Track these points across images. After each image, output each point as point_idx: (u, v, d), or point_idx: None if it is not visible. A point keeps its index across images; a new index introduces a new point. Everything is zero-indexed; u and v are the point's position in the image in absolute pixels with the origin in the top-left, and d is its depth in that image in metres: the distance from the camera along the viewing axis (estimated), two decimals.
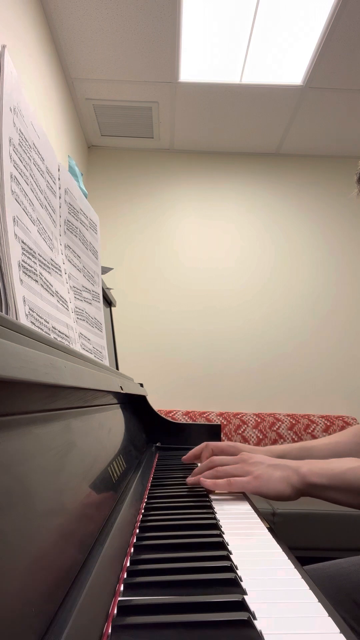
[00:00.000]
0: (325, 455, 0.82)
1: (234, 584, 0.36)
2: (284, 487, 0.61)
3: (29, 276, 0.53)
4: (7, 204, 0.49)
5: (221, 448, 0.81)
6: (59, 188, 0.76)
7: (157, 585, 0.36)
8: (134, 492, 0.60)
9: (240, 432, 2.62)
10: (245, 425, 2.64)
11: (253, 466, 0.65)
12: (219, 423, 1.26)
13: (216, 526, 0.52)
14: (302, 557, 0.61)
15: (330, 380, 2.92)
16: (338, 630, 0.30)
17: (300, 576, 0.39)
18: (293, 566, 0.41)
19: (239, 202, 3.10)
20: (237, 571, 0.39)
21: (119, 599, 0.33)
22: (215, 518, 0.55)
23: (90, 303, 0.86)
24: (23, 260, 0.52)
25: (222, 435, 2.20)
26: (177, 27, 2.11)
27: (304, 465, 0.61)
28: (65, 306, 0.68)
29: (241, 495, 0.69)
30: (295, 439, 2.61)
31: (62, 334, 0.62)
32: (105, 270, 1.30)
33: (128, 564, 0.40)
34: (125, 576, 0.37)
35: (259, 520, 0.57)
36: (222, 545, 0.45)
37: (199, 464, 0.76)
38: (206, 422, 1.52)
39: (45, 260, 0.61)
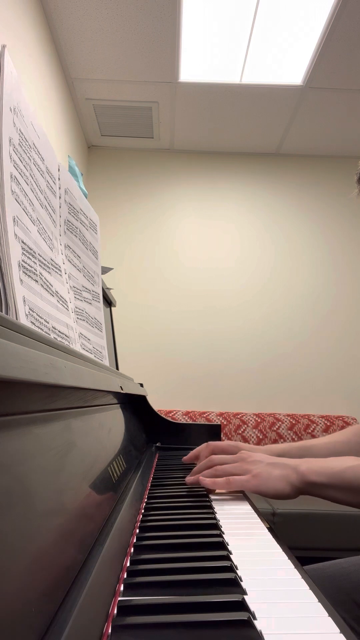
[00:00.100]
0: (324, 455, 0.82)
1: (234, 584, 0.36)
2: (283, 485, 0.61)
3: (29, 276, 0.53)
4: (7, 204, 0.49)
5: (222, 447, 0.81)
6: (59, 188, 0.76)
7: (157, 585, 0.36)
8: (134, 492, 0.60)
9: (240, 432, 2.62)
10: (245, 425, 2.64)
11: (252, 465, 0.65)
12: (219, 423, 1.26)
13: (216, 526, 0.52)
14: (302, 557, 0.61)
15: (330, 380, 2.92)
16: (338, 630, 0.30)
17: (300, 576, 0.39)
18: (293, 566, 0.41)
19: (239, 202, 3.10)
20: (237, 571, 0.39)
21: (119, 599, 0.33)
22: (215, 518, 0.55)
23: (90, 303, 0.86)
24: (23, 260, 0.52)
25: (222, 435, 2.20)
26: (177, 27, 2.11)
27: (303, 464, 0.61)
28: (65, 306, 0.68)
29: (241, 495, 0.69)
30: (295, 439, 2.61)
31: (62, 334, 0.62)
32: (105, 270, 1.30)
33: (128, 564, 0.40)
34: (125, 576, 0.37)
35: (259, 520, 0.57)
36: (222, 545, 0.45)
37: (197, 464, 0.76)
38: (206, 422, 1.52)
39: (45, 260, 0.61)
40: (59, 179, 0.76)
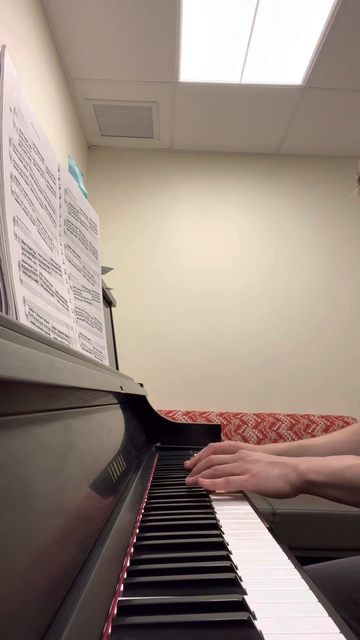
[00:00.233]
0: (324, 454, 0.82)
1: (234, 584, 0.36)
2: (282, 484, 0.60)
3: (29, 276, 0.53)
4: (7, 204, 0.49)
5: (222, 448, 0.81)
6: (59, 188, 0.76)
7: (157, 585, 0.36)
8: (134, 492, 0.60)
9: (240, 432, 2.62)
10: (245, 425, 2.64)
11: (251, 464, 0.65)
12: (219, 423, 1.26)
13: (216, 526, 0.52)
14: (302, 557, 0.61)
15: (330, 380, 2.92)
16: (338, 630, 0.30)
17: (300, 576, 0.39)
18: (293, 566, 0.41)
19: (239, 202, 3.10)
20: (237, 571, 0.39)
21: (119, 599, 0.33)
22: (215, 518, 0.55)
23: (90, 303, 0.86)
24: (23, 260, 0.52)
25: (222, 435, 2.20)
26: (177, 27, 2.11)
27: (302, 463, 0.61)
28: (65, 306, 0.68)
29: (241, 495, 0.69)
30: (295, 439, 2.61)
31: (62, 334, 0.62)
32: (105, 270, 1.30)
33: (128, 564, 0.40)
34: (125, 576, 0.37)
35: (259, 520, 0.57)
36: (222, 545, 0.45)
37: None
38: (206, 422, 1.52)
39: (45, 260, 0.61)
40: (59, 179, 0.76)
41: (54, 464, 0.34)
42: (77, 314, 0.75)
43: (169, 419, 1.26)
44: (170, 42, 2.20)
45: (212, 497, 0.67)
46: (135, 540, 0.46)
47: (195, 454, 0.92)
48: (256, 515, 0.59)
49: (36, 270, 0.56)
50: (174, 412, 2.68)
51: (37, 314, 0.53)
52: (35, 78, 2.03)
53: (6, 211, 0.48)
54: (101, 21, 2.10)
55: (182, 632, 0.29)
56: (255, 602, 0.33)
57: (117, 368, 1.38)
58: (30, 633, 0.23)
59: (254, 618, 0.31)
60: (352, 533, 1.92)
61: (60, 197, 0.76)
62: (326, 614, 0.32)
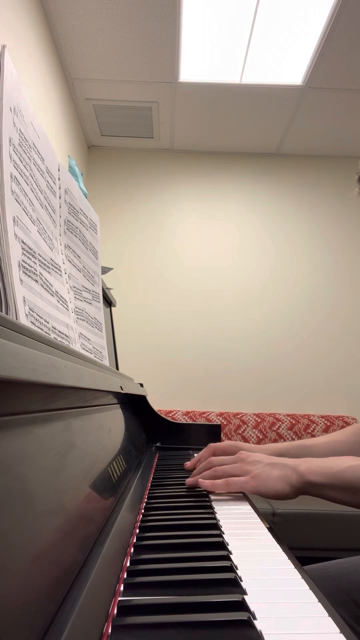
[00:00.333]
0: (324, 454, 0.82)
1: (234, 584, 0.36)
2: (282, 486, 0.60)
3: (29, 276, 0.53)
4: (7, 204, 0.49)
5: (222, 448, 0.81)
6: (59, 188, 0.76)
7: (157, 585, 0.36)
8: (134, 492, 0.60)
9: (240, 432, 2.62)
10: (245, 425, 2.64)
11: (251, 465, 0.65)
12: (219, 423, 1.26)
13: (216, 526, 0.52)
14: (302, 557, 0.61)
15: (330, 380, 2.92)
16: (338, 630, 0.30)
17: (300, 576, 0.39)
18: (293, 566, 0.41)
19: (239, 202, 3.10)
20: (237, 571, 0.39)
21: (119, 599, 0.33)
22: (215, 518, 0.55)
23: (90, 303, 0.86)
24: (23, 260, 0.52)
25: (222, 435, 2.20)
26: (177, 27, 2.11)
27: (302, 464, 0.61)
28: (65, 306, 0.68)
29: (241, 495, 0.69)
30: (295, 439, 2.61)
31: (62, 334, 0.62)
32: (105, 270, 1.30)
33: (128, 564, 0.40)
34: (125, 576, 0.37)
35: (259, 520, 0.57)
36: (222, 545, 0.45)
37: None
38: (206, 422, 1.52)
39: (45, 260, 0.61)
40: (59, 179, 0.76)
41: (54, 464, 0.34)
42: (77, 314, 0.75)
43: (169, 419, 1.26)
44: (170, 42, 2.20)
45: (212, 497, 0.67)
46: (135, 540, 0.46)
47: (195, 455, 0.92)
48: (256, 515, 0.59)
49: (36, 270, 0.56)
50: (174, 412, 2.68)
51: (37, 314, 0.53)
52: (35, 78, 2.03)
53: (6, 211, 0.48)
54: (101, 21, 2.10)
55: (182, 632, 0.29)
56: (255, 602, 0.33)
57: (117, 368, 1.38)
58: (31, 633, 0.23)
59: (254, 618, 0.31)
60: (352, 533, 1.92)
61: (60, 197, 0.76)
62: (326, 614, 0.32)
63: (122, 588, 0.35)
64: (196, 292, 2.99)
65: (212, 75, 2.43)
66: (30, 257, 0.55)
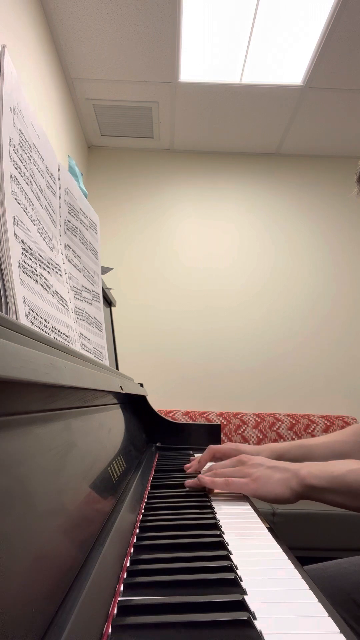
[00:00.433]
0: (324, 454, 0.82)
1: (234, 584, 0.36)
2: (282, 489, 0.60)
3: (29, 276, 0.53)
4: (7, 204, 0.49)
5: (223, 451, 0.80)
6: (59, 188, 0.76)
7: (157, 585, 0.36)
8: (134, 492, 0.60)
9: (240, 432, 2.62)
10: (245, 425, 2.64)
11: (252, 468, 0.64)
12: (219, 423, 1.26)
13: (216, 526, 0.52)
14: (302, 557, 0.61)
15: (330, 380, 2.92)
16: (338, 630, 0.30)
17: (300, 576, 0.39)
18: (293, 566, 0.41)
19: (239, 202, 3.10)
20: (237, 571, 0.39)
21: (119, 599, 0.33)
22: (215, 518, 0.55)
23: (90, 303, 0.86)
24: (23, 260, 0.52)
25: (222, 435, 2.20)
26: (177, 27, 2.11)
27: (303, 468, 0.61)
28: (65, 306, 0.68)
29: (241, 496, 0.69)
30: (295, 439, 2.61)
31: (62, 334, 0.62)
32: (105, 270, 1.30)
33: (128, 564, 0.40)
34: (125, 576, 0.37)
35: (259, 520, 0.57)
36: (222, 545, 0.45)
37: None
38: (206, 422, 1.52)
39: (45, 260, 0.61)
40: (59, 179, 0.76)
41: (54, 464, 0.34)
42: (77, 314, 0.75)
43: (169, 419, 1.26)
44: (170, 42, 2.20)
45: (212, 497, 0.67)
46: (135, 540, 0.46)
47: (195, 455, 0.92)
48: (256, 515, 0.59)
49: (36, 270, 0.56)
50: (174, 412, 2.68)
51: (37, 314, 0.53)
52: (35, 78, 2.03)
53: (6, 211, 0.48)
54: (101, 21, 2.10)
55: (182, 632, 0.29)
56: (255, 602, 0.33)
57: (117, 368, 1.38)
58: (31, 633, 0.23)
59: (254, 618, 0.31)
60: (352, 533, 1.92)
61: (60, 197, 0.76)
62: (326, 614, 0.32)
63: (122, 588, 0.35)
64: (196, 292, 2.99)
65: (212, 75, 2.43)
66: (30, 257, 0.55)
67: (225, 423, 2.64)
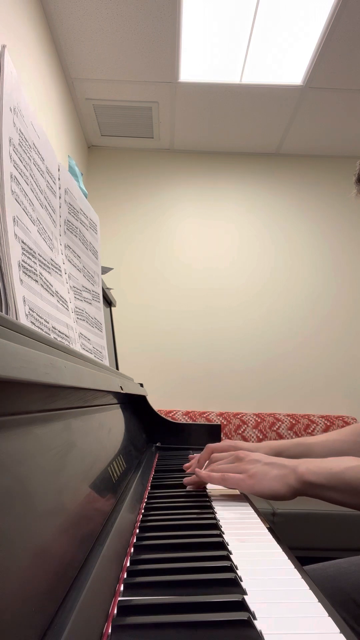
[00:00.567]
0: (323, 453, 0.82)
1: (234, 584, 0.36)
2: (279, 485, 0.60)
3: (29, 276, 0.53)
4: (7, 204, 0.49)
5: (221, 448, 0.80)
6: (59, 188, 0.76)
7: (157, 585, 0.36)
8: (134, 492, 0.60)
9: (240, 432, 2.62)
10: (245, 425, 2.64)
11: (249, 464, 0.64)
12: (219, 423, 1.26)
13: (216, 526, 0.52)
14: (302, 557, 0.61)
15: (330, 380, 2.92)
16: (338, 630, 0.30)
17: (300, 576, 0.39)
18: (293, 566, 0.41)
19: (239, 202, 3.10)
20: (237, 571, 0.39)
21: (119, 599, 0.33)
22: (215, 518, 0.55)
23: (90, 303, 0.86)
24: (23, 260, 0.52)
25: (222, 435, 2.20)
26: (177, 27, 2.11)
27: (301, 464, 0.60)
28: (65, 306, 0.68)
29: (241, 496, 0.69)
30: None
31: (62, 334, 0.62)
32: (105, 270, 1.30)
33: (128, 564, 0.40)
34: (125, 576, 0.37)
35: (259, 520, 0.57)
36: (222, 545, 0.45)
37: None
38: (206, 422, 1.52)
39: (45, 260, 0.61)
40: (59, 179, 0.76)
41: (54, 464, 0.34)
42: (77, 314, 0.75)
43: (169, 419, 1.26)
44: (170, 42, 2.20)
45: (212, 497, 0.67)
46: (135, 540, 0.46)
47: (195, 455, 0.92)
48: (256, 515, 0.59)
49: (36, 270, 0.56)
50: (174, 412, 2.68)
51: (37, 314, 0.53)
52: (35, 78, 2.03)
53: (6, 211, 0.48)
54: (101, 21, 2.10)
55: (182, 632, 0.29)
56: (255, 602, 0.33)
57: (117, 368, 1.38)
58: (31, 633, 0.23)
59: (254, 618, 0.31)
60: (352, 533, 1.92)
61: (60, 197, 0.76)
62: (326, 614, 0.32)
63: (122, 588, 0.35)
64: (196, 292, 2.99)
65: (212, 75, 2.43)
66: (30, 257, 0.55)
67: (225, 423, 2.64)
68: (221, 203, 3.10)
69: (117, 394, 0.83)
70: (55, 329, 0.59)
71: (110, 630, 0.29)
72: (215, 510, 0.60)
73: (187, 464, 0.86)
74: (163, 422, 1.24)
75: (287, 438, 2.62)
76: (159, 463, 0.97)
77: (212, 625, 0.30)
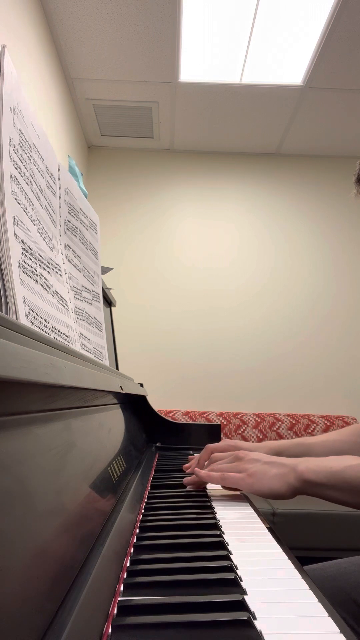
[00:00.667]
0: (323, 453, 0.82)
1: (234, 584, 0.36)
2: (279, 484, 0.60)
3: (29, 276, 0.53)
4: (7, 204, 0.49)
5: (221, 448, 0.80)
6: (59, 188, 0.76)
7: (157, 585, 0.36)
8: (134, 492, 0.60)
9: (240, 432, 2.62)
10: (245, 425, 2.64)
11: (248, 463, 0.64)
12: (219, 423, 1.26)
13: (216, 526, 0.52)
14: (302, 557, 0.61)
15: (330, 380, 2.92)
16: (338, 630, 0.30)
17: (300, 576, 0.39)
18: (293, 566, 0.41)
19: (239, 202, 3.10)
20: (237, 571, 0.39)
21: (119, 599, 0.33)
22: (215, 518, 0.55)
23: (90, 303, 0.86)
24: (23, 260, 0.52)
25: (222, 435, 2.20)
26: (177, 27, 2.11)
27: (301, 463, 0.60)
28: (65, 306, 0.68)
29: (241, 496, 0.69)
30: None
31: (62, 334, 0.62)
32: (105, 270, 1.30)
33: (128, 564, 0.40)
34: (125, 576, 0.37)
35: (259, 520, 0.57)
36: (222, 545, 0.45)
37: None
38: (206, 422, 1.52)
39: (45, 260, 0.61)
40: (59, 179, 0.76)
41: (54, 464, 0.34)
42: (77, 314, 0.75)
43: (169, 419, 1.26)
44: (170, 42, 2.20)
45: (212, 497, 0.67)
46: (135, 540, 0.46)
47: (195, 455, 0.92)
48: (256, 516, 0.59)
49: (36, 270, 0.56)
50: (174, 412, 2.68)
51: (37, 314, 0.53)
52: (35, 78, 2.03)
53: (6, 211, 0.48)
54: (101, 21, 2.10)
55: (182, 632, 0.29)
56: (255, 602, 0.33)
57: (117, 368, 1.38)
58: (31, 633, 0.23)
59: (254, 618, 0.31)
60: (352, 533, 1.92)
61: (60, 197, 0.76)
62: (326, 614, 0.32)
63: (122, 588, 0.35)
64: (196, 292, 2.99)
65: (212, 75, 2.43)
66: (30, 257, 0.55)
67: (225, 423, 2.64)
68: (221, 203, 3.10)
69: (117, 394, 0.83)
70: (55, 329, 0.59)
71: (110, 630, 0.29)
72: (215, 510, 0.60)
73: (186, 465, 0.86)
74: (163, 422, 1.24)
75: (287, 438, 2.62)
76: (159, 463, 0.97)
77: (212, 625, 0.30)
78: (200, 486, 0.71)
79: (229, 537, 0.49)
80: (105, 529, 0.42)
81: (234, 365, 2.91)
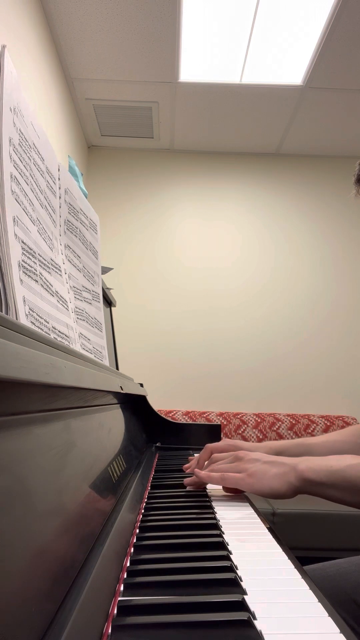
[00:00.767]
0: (324, 454, 0.81)
1: (234, 584, 0.36)
2: (279, 484, 0.60)
3: (29, 276, 0.53)
4: (7, 204, 0.49)
5: (220, 448, 0.80)
6: (59, 188, 0.76)
7: (157, 585, 0.36)
8: (134, 492, 0.60)
9: (240, 432, 2.62)
10: (245, 425, 2.64)
11: (249, 463, 0.64)
12: (219, 423, 1.26)
13: (216, 526, 0.52)
14: (302, 557, 0.61)
15: (330, 380, 2.92)
16: (338, 630, 0.30)
17: (300, 576, 0.39)
18: (293, 566, 0.41)
19: (239, 202, 3.10)
20: (237, 571, 0.39)
21: (119, 599, 0.33)
22: (215, 518, 0.55)
23: (90, 303, 0.86)
24: (23, 260, 0.52)
25: (222, 436, 2.20)
26: (177, 27, 2.11)
27: (301, 462, 0.60)
28: (65, 306, 0.68)
29: (241, 496, 0.69)
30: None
31: (62, 334, 0.62)
32: (105, 270, 1.30)
33: (128, 564, 0.40)
34: (125, 576, 0.37)
35: (259, 520, 0.57)
36: (222, 545, 0.45)
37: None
38: (206, 422, 1.52)
39: (45, 260, 0.61)
40: (59, 179, 0.76)
41: (54, 464, 0.34)
42: (77, 314, 0.75)
43: (169, 419, 1.26)
44: (170, 42, 2.20)
45: (212, 497, 0.67)
46: (135, 540, 0.46)
47: (195, 455, 0.92)
48: (256, 516, 0.59)
49: (36, 270, 0.56)
50: (174, 412, 2.68)
51: (37, 314, 0.53)
52: (35, 78, 2.03)
53: (6, 211, 0.48)
54: (101, 21, 2.10)
55: (182, 632, 0.29)
56: (255, 602, 0.33)
57: (117, 368, 1.38)
58: (31, 633, 0.23)
59: (254, 618, 0.31)
60: (352, 533, 1.92)
61: (60, 197, 0.76)
62: (326, 614, 0.32)
63: (122, 588, 0.35)
64: (196, 292, 2.99)
65: (212, 75, 2.43)
66: (30, 257, 0.55)
67: (225, 423, 2.64)
68: (221, 203, 3.10)
69: (117, 394, 0.83)
70: (55, 329, 0.59)
71: (110, 630, 0.29)
72: (215, 510, 0.60)
73: (186, 465, 0.86)
74: (163, 422, 1.24)
75: (287, 438, 2.62)
76: (159, 463, 0.97)
77: (212, 625, 0.30)
78: (201, 486, 0.71)
79: (229, 537, 0.49)
80: (105, 529, 0.42)
81: (234, 365, 2.91)
